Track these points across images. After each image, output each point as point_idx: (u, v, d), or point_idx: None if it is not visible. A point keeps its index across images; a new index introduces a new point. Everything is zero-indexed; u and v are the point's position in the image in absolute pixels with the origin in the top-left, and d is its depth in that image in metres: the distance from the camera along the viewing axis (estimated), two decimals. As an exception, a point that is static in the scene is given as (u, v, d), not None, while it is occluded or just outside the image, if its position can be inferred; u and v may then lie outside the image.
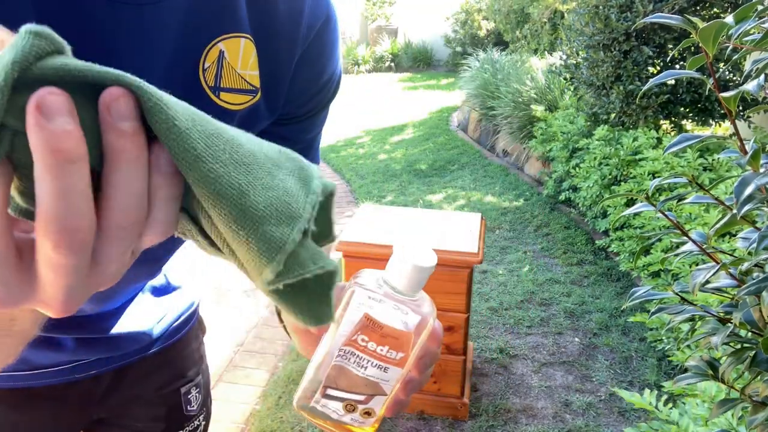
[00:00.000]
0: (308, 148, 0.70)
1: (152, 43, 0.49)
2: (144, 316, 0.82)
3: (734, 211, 0.49)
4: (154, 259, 0.72)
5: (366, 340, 0.46)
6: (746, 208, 0.48)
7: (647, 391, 1.34)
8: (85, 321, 0.74)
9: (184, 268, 0.91)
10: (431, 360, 0.51)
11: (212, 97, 0.55)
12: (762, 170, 0.51)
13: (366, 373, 0.47)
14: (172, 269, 0.88)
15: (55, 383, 0.77)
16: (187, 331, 0.91)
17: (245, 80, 0.56)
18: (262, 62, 0.57)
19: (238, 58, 0.55)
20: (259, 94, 0.58)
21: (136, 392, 0.85)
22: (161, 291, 0.86)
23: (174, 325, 0.87)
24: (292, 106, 0.63)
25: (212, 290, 3.16)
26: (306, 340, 0.58)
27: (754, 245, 0.53)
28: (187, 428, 0.91)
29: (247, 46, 0.55)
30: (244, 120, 0.59)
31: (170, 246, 0.70)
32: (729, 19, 0.52)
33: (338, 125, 6.61)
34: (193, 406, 0.91)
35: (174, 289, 0.88)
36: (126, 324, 0.79)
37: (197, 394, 0.92)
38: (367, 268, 0.51)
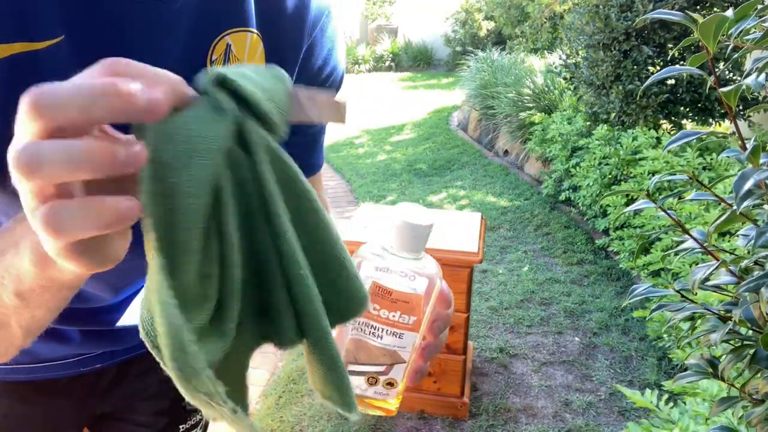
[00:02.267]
0: (313, 142, 0.72)
1: (166, 37, 0.51)
2: None
3: (734, 206, 0.49)
4: None
5: (378, 308, 0.48)
6: (745, 203, 0.48)
7: (648, 390, 1.34)
8: (92, 313, 0.75)
9: None
10: (444, 323, 0.52)
11: None
12: (763, 167, 0.51)
13: (383, 342, 0.49)
14: None
15: (60, 377, 0.78)
16: None
17: None
18: (268, 56, 0.59)
19: (244, 51, 0.58)
20: None
21: (139, 386, 0.86)
22: None
23: None
24: None
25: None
26: None
27: (752, 241, 0.53)
28: (190, 422, 0.91)
29: (253, 40, 0.58)
30: None
31: None
32: (729, 12, 0.52)
33: (338, 124, 6.60)
34: None
35: None
36: (131, 317, 0.79)
37: None
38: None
